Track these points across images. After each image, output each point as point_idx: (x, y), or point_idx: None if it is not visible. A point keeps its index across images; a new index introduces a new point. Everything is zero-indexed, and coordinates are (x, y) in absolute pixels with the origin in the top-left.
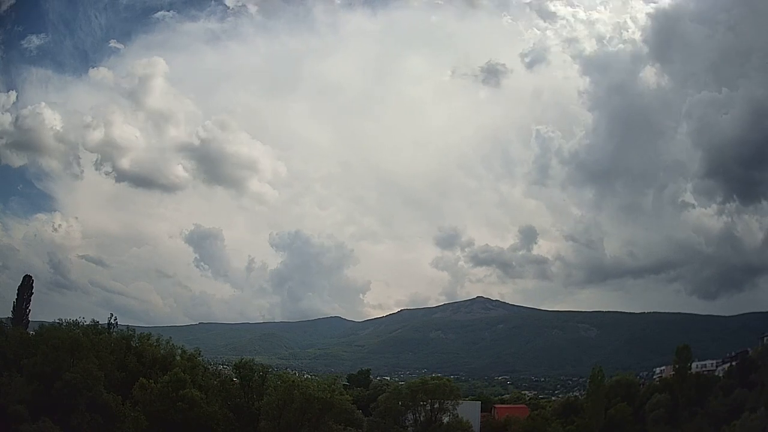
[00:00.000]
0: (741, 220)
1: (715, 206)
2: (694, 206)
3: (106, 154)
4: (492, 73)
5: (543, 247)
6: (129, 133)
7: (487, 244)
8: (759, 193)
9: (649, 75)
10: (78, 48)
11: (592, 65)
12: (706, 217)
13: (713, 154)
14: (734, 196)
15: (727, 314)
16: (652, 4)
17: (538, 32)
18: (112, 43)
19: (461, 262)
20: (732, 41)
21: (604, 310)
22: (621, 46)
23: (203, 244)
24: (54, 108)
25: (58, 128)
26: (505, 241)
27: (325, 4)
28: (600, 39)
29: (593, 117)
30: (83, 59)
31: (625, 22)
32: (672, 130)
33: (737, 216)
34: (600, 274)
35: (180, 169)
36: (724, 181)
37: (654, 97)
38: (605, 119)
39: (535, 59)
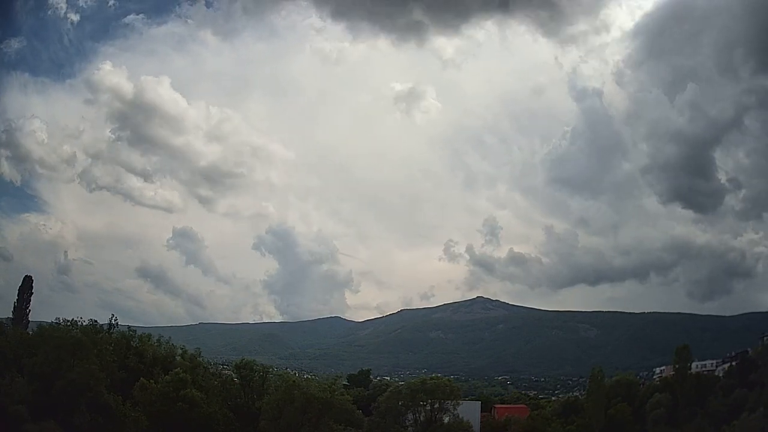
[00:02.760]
0: (703, 228)
1: (676, 214)
2: (657, 214)
3: (87, 160)
4: (445, 87)
5: (522, 249)
6: (108, 138)
7: (467, 247)
8: (714, 203)
9: (610, 90)
10: (53, 60)
11: (557, 80)
12: (669, 225)
13: (664, 164)
14: (687, 205)
15: (727, 314)
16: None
17: (496, 47)
18: (85, 51)
19: (449, 265)
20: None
21: (604, 310)
22: (583, 61)
23: (199, 246)
24: (36, 112)
25: (40, 133)
26: (484, 244)
27: (287, 9)
28: (560, 50)
29: (560, 128)
30: (58, 67)
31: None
32: (634, 141)
33: (696, 225)
34: (576, 277)
35: (162, 173)
36: (677, 190)
37: (615, 110)
38: (571, 131)
39: (493, 73)
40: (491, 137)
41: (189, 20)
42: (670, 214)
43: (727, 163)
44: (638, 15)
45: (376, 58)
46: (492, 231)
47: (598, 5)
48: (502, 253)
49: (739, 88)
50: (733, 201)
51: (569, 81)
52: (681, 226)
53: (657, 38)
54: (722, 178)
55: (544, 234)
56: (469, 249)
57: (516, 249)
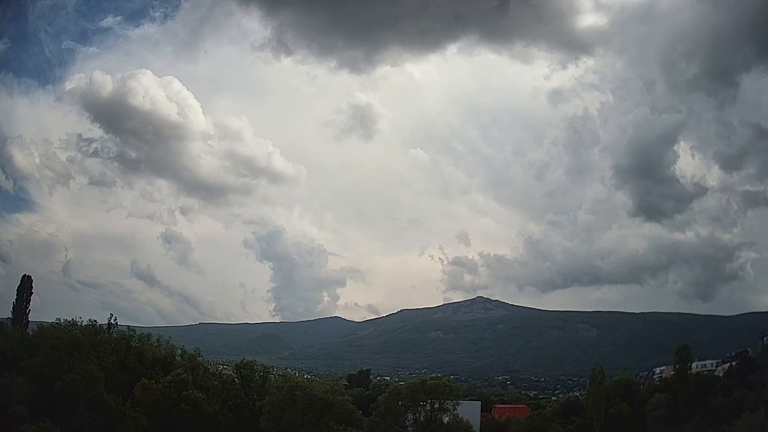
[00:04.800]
0: (681, 233)
1: (650, 220)
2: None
3: (77, 162)
4: (410, 100)
5: (505, 252)
6: (93, 139)
7: (452, 250)
8: (666, 210)
9: (572, 98)
10: (35, 65)
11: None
12: (647, 230)
13: (631, 171)
14: (656, 211)
15: (727, 314)
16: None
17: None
18: (64, 55)
19: (436, 267)
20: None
21: (604, 310)
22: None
23: (197, 248)
24: (21, 115)
25: (27, 136)
26: (467, 249)
27: (251, 13)
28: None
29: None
30: (39, 72)
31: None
32: (602, 151)
33: (671, 230)
34: (565, 280)
35: (153, 176)
36: (644, 196)
37: (580, 118)
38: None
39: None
40: (461, 147)
41: (163, 22)
42: (644, 221)
43: (690, 168)
44: (597, 25)
45: (344, 73)
46: (472, 235)
47: (559, 18)
48: (485, 255)
49: (693, 94)
50: (702, 205)
51: (533, 91)
52: (657, 231)
53: (616, 49)
54: (686, 183)
55: (524, 238)
56: (453, 251)
57: (501, 252)
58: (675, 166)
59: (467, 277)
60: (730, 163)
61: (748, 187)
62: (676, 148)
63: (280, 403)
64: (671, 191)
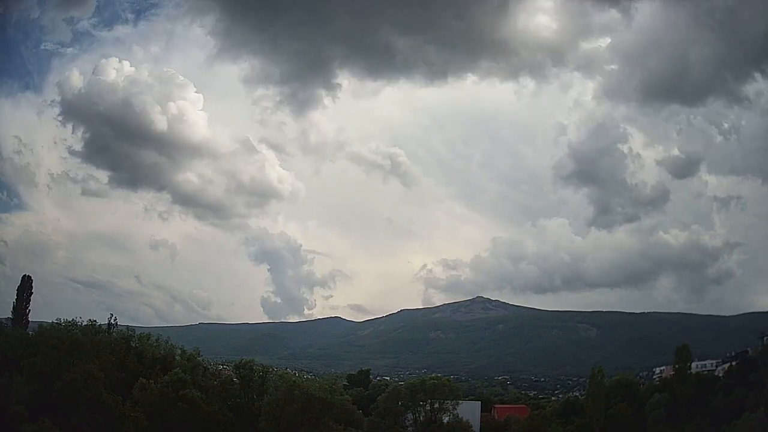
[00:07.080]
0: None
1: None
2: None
3: (70, 164)
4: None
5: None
6: (80, 141)
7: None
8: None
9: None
10: (18, 73)
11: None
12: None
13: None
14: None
15: (727, 314)
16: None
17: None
18: (44, 59)
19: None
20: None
21: (604, 310)
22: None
23: (196, 249)
24: (6, 116)
25: (14, 139)
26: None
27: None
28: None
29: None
30: (20, 75)
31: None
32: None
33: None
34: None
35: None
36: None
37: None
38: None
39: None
40: (430, 157)
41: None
42: (620, 227)
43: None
44: (558, 40)
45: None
46: (454, 240)
47: (519, 34)
48: (468, 258)
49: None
50: (676, 210)
51: (498, 105)
52: (637, 236)
53: (575, 61)
54: (653, 189)
55: (501, 242)
56: (435, 255)
57: (482, 255)
58: (642, 173)
59: (450, 279)
60: (695, 169)
61: (716, 192)
62: (640, 155)
63: (278, 402)
64: (639, 197)
